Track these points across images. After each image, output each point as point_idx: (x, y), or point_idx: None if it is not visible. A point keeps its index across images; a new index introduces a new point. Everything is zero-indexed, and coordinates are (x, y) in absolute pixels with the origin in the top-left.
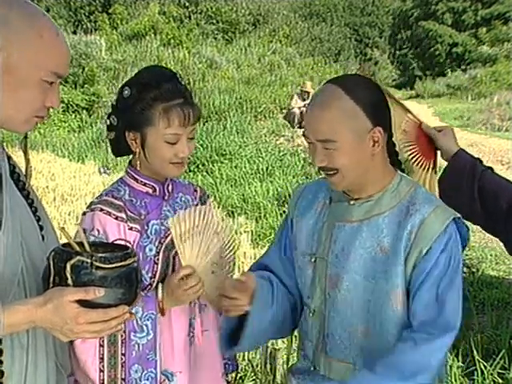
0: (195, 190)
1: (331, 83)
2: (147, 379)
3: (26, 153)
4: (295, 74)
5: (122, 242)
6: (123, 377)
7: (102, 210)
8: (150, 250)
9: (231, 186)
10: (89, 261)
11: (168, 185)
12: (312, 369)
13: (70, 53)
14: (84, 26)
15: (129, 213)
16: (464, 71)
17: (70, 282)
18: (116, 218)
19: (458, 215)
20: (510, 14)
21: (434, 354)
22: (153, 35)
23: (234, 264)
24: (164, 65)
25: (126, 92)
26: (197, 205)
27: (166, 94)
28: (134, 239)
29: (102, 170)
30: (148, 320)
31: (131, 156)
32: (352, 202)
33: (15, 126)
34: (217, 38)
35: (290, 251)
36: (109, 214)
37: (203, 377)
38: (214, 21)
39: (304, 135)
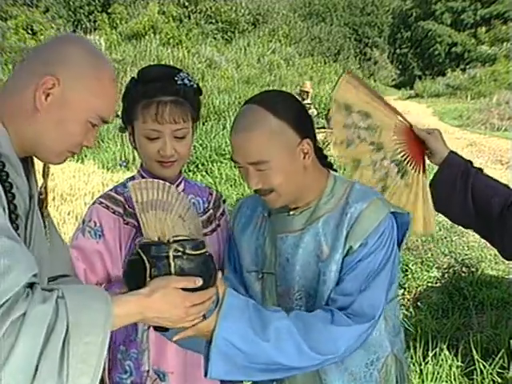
0: (210, 194)
1: (251, 103)
2: (130, 359)
3: (46, 175)
4: (294, 74)
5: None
6: (110, 357)
7: (101, 203)
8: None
9: (230, 185)
10: (181, 249)
11: (178, 185)
12: None
13: (117, 99)
14: (83, 26)
15: (128, 208)
16: (463, 71)
17: (173, 270)
18: (113, 212)
19: (393, 209)
20: (509, 14)
21: (343, 338)
22: (152, 35)
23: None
24: None
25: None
26: (207, 208)
27: (150, 90)
28: (129, 234)
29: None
30: None
31: None
32: (292, 213)
33: (48, 156)
34: (216, 38)
35: (239, 267)
36: (107, 207)
37: (199, 376)
38: (214, 20)
39: (232, 160)
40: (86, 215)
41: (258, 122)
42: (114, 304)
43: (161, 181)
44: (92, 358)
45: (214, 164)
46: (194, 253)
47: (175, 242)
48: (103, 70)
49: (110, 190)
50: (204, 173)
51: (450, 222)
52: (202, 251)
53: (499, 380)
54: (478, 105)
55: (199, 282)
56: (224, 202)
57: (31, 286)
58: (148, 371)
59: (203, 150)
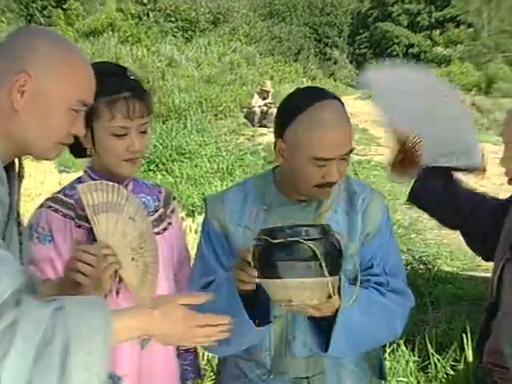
0: (160, 192)
1: (330, 99)
2: None
3: (20, 179)
4: (255, 73)
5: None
6: None
7: (50, 206)
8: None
9: (191, 185)
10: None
11: (127, 185)
12: (270, 376)
13: (94, 81)
14: (37, 22)
15: (79, 211)
16: None
17: (325, 267)
18: (64, 216)
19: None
20: (460, 18)
21: (401, 318)
22: (110, 32)
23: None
24: (122, 63)
25: None
26: (158, 206)
27: (109, 87)
28: (81, 237)
29: (61, 169)
30: None
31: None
32: (304, 204)
33: (41, 154)
34: (176, 36)
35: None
36: (56, 211)
37: (157, 381)
38: (173, 19)
39: (317, 157)
40: (32, 220)
41: (344, 114)
42: (118, 317)
43: (110, 182)
44: (95, 366)
45: (175, 163)
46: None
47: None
48: (73, 56)
49: (58, 192)
50: (164, 172)
51: (408, 221)
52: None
53: (452, 372)
54: None
55: (208, 297)
56: (174, 199)
57: (20, 294)
58: None
59: (164, 150)
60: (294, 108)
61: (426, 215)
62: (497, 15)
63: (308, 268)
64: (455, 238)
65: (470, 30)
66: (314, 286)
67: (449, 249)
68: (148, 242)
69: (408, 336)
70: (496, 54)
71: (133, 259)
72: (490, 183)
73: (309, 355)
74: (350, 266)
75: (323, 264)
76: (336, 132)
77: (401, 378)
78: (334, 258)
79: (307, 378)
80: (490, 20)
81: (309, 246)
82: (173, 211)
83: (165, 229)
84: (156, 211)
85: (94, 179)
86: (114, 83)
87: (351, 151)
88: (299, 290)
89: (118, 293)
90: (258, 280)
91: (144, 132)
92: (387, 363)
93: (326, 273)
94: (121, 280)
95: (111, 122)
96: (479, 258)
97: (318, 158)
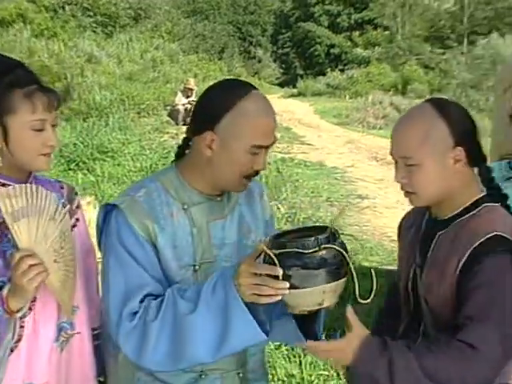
0: (62, 188)
1: (257, 89)
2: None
3: None
4: (178, 71)
5: None
6: None
7: None
8: (12, 255)
9: (114, 184)
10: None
11: (30, 182)
12: (202, 377)
13: None
14: None
15: None
16: (342, 71)
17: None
18: None
19: None
20: (377, 21)
21: None
22: (22, 24)
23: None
24: (37, 57)
25: None
26: (64, 203)
27: (22, 79)
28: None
29: None
30: None
31: None
32: (219, 199)
33: None
34: (96, 32)
35: (159, 269)
36: None
37: (74, 381)
38: (92, 13)
39: (257, 146)
40: None
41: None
42: None
43: (27, 185)
44: None
45: (96, 162)
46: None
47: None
48: None
49: None
50: (86, 171)
51: (330, 217)
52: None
53: None
54: (355, 104)
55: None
56: (76, 194)
57: None
58: None
59: (85, 148)
60: (226, 99)
61: (346, 212)
62: (410, 20)
63: (319, 275)
64: (375, 233)
65: (387, 32)
66: (334, 288)
67: (369, 244)
68: (67, 240)
69: (329, 331)
70: (410, 57)
71: (55, 261)
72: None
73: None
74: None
75: (332, 270)
76: (271, 119)
77: (321, 372)
78: (339, 264)
79: (237, 370)
80: (403, 24)
81: (321, 256)
82: (78, 206)
83: (74, 225)
84: (63, 207)
85: (4, 184)
86: (23, 74)
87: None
88: (318, 296)
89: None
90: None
91: (55, 125)
92: (308, 357)
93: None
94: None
95: (32, 116)
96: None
97: (256, 146)
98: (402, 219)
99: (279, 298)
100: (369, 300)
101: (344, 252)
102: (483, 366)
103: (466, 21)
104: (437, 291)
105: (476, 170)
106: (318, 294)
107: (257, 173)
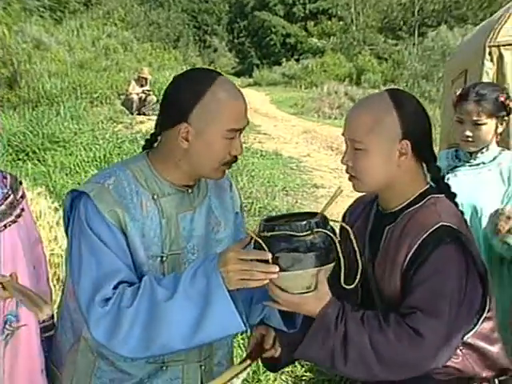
0: (5, 178)
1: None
2: None
3: None
4: (132, 60)
5: None
6: None
7: None
8: None
9: (66, 174)
10: None
11: None
12: (163, 368)
13: None
14: None
15: None
16: (297, 61)
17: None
18: None
19: None
20: (332, 11)
21: None
22: None
23: None
24: None
25: None
26: (7, 193)
27: None
28: None
29: None
30: None
31: None
32: (190, 191)
33: None
34: (43, 17)
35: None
36: None
37: (20, 374)
38: None
39: (233, 129)
40: None
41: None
42: None
43: None
44: None
45: (47, 152)
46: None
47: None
48: None
49: None
50: (36, 161)
51: (286, 206)
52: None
53: None
54: (311, 94)
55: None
56: (20, 183)
57: None
58: None
59: (34, 137)
60: (194, 89)
61: (302, 201)
62: (364, 10)
63: (298, 259)
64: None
65: (341, 23)
66: (303, 277)
67: None
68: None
69: None
70: (364, 47)
71: None
72: None
73: None
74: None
75: (313, 255)
76: (242, 101)
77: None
78: (329, 249)
79: (199, 361)
80: (358, 15)
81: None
82: (22, 197)
83: (19, 215)
84: (6, 199)
85: None
86: None
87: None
88: (292, 282)
89: None
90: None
91: None
92: None
93: (319, 262)
94: None
95: None
96: None
97: (231, 130)
98: (347, 211)
99: (267, 281)
100: (353, 285)
101: (334, 237)
102: (427, 353)
103: (417, 13)
104: (388, 284)
105: (425, 166)
106: (308, 278)
107: (235, 158)
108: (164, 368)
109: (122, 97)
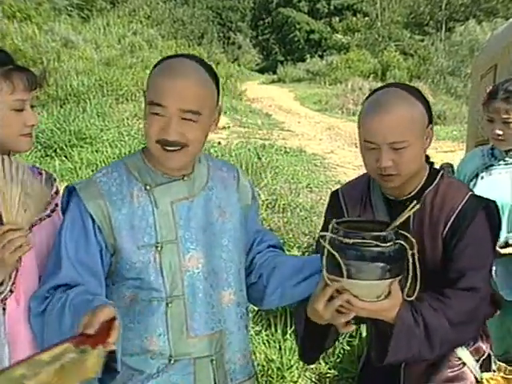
0: (40, 173)
1: (183, 58)
2: None
3: None
4: (157, 57)
5: None
6: None
7: None
8: None
9: (92, 170)
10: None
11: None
12: (171, 362)
13: None
14: None
15: None
16: (321, 57)
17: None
18: None
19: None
20: (357, 6)
21: None
22: None
23: None
24: (11, 40)
25: None
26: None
27: (1, 58)
28: None
29: None
30: None
31: None
32: (186, 179)
33: None
34: (71, 16)
35: (105, 253)
36: None
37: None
38: None
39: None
40: None
41: (194, 70)
42: None
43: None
44: None
45: (74, 148)
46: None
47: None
48: None
49: None
50: (63, 158)
51: (310, 203)
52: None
53: (348, 348)
54: (335, 90)
55: None
56: (55, 180)
57: None
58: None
59: (62, 134)
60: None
61: (326, 198)
62: (389, 6)
63: (377, 269)
64: None
65: (366, 18)
66: (379, 286)
67: None
68: (37, 199)
69: None
70: (389, 43)
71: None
72: None
73: (210, 333)
74: (227, 242)
75: (392, 266)
76: (179, 82)
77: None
78: (403, 260)
79: (210, 356)
80: (383, 10)
81: (381, 251)
82: (56, 192)
83: (53, 210)
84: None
85: None
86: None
87: (196, 114)
88: (368, 290)
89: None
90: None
91: (33, 106)
92: (288, 342)
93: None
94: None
95: (12, 96)
96: None
97: (152, 103)
98: (340, 192)
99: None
100: (413, 297)
101: (409, 249)
102: (485, 302)
103: (444, 7)
104: (431, 258)
105: None
106: (382, 287)
107: (169, 143)
108: (172, 362)
109: None
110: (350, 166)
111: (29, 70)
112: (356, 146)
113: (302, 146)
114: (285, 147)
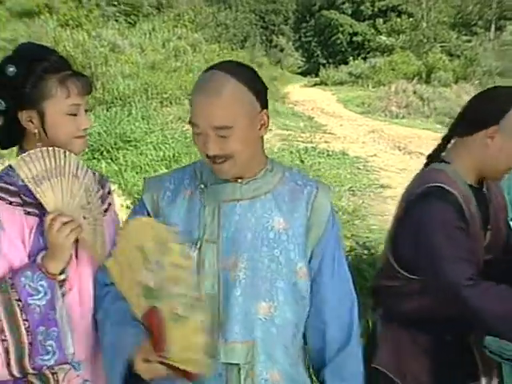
0: (93, 174)
1: (217, 70)
2: (51, 339)
3: None
4: (201, 60)
5: None
6: (30, 341)
7: None
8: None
9: (137, 173)
10: None
11: None
12: None
13: None
14: None
15: (24, 197)
16: (364, 60)
17: None
18: (10, 203)
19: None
20: (402, 7)
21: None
22: (48, 14)
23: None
24: (63, 47)
25: (12, 69)
26: (98, 190)
27: (55, 65)
28: (32, 224)
29: None
30: (41, 280)
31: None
32: (240, 181)
33: None
34: (118, 21)
35: None
36: (1, 199)
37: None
38: (115, 2)
39: (191, 122)
40: None
41: (226, 87)
42: None
43: (42, 148)
44: None
45: (119, 151)
46: None
47: None
48: None
49: None
50: (109, 160)
51: (352, 207)
52: None
53: None
54: (378, 93)
55: None
56: (107, 180)
57: None
58: (74, 354)
59: (108, 137)
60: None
61: (368, 201)
62: (435, 6)
63: None
64: None
65: (411, 19)
66: None
67: None
68: (92, 194)
69: None
70: (435, 44)
71: (84, 217)
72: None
73: (242, 341)
74: (280, 253)
75: None
76: (208, 100)
77: None
78: None
79: (238, 364)
80: (428, 11)
81: None
82: (109, 192)
83: (106, 210)
84: (97, 192)
85: None
86: (57, 61)
87: (229, 128)
88: None
89: (76, 256)
90: None
91: (86, 110)
92: None
93: None
94: (76, 242)
95: (67, 100)
96: None
97: (192, 124)
98: (458, 213)
99: None
100: None
101: None
102: None
103: (496, 6)
104: (501, 239)
105: None
106: None
107: (211, 157)
108: None
109: (190, 97)
110: (393, 169)
111: (83, 75)
112: (399, 149)
113: (344, 148)
114: (327, 150)
